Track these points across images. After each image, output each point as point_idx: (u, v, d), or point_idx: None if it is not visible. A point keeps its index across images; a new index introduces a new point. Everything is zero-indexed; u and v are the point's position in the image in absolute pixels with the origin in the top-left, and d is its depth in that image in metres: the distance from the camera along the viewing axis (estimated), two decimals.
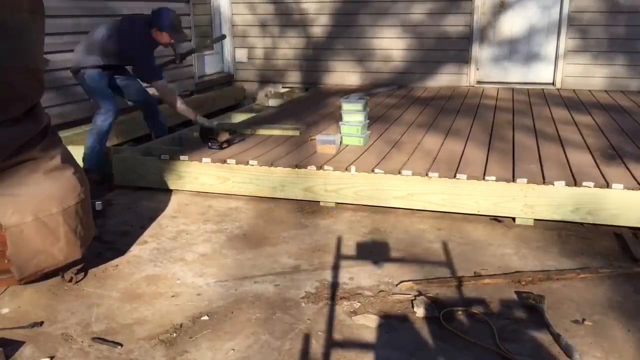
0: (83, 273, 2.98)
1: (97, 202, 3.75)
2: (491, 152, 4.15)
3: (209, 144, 4.40)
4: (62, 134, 5.13)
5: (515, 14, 7.17)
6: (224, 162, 4.08)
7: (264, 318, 2.56)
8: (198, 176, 4.14)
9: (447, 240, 3.36)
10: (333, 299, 2.71)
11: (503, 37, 7.28)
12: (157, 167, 4.23)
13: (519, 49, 7.28)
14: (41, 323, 2.54)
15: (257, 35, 8.10)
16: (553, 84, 7.21)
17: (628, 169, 3.70)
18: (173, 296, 2.77)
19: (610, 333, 2.41)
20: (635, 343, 2.34)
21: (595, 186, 3.40)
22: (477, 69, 7.43)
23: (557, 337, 2.32)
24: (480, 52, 7.38)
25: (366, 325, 2.49)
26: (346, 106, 4.43)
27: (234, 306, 2.67)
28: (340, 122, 4.51)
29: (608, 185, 3.39)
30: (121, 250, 3.28)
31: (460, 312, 2.58)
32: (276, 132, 4.88)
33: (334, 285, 2.84)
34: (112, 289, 2.85)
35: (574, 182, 3.45)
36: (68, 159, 2.80)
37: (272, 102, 7.10)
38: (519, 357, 2.24)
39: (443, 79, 7.52)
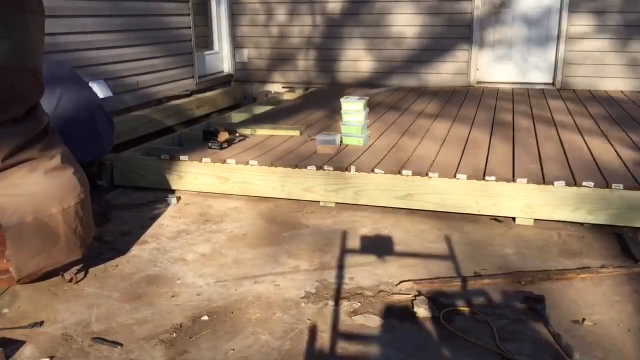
0: (83, 273, 2.98)
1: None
2: (491, 152, 4.15)
3: (209, 143, 4.41)
4: None
5: (515, 13, 7.17)
6: (224, 162, 4.08)
7: (264, 318, 2.56)
8: (198, 176, 4.14)
9: (447, 240, 3.36)
10: (333, 299, 2.71)
11: (503, 37, 7.28)
12: (157, 167, 4.23)
13: (518, 49, 7.28)
14: (41, 323, 2.54)
15: (257, 35, 8.10)
16: (553, 84, 7.22)
17: (628, 168, 3.70)
18: (173, 296, 2.77)
19: (610, 333, 2.41)
20: (635, 343, 2.34)
21: (595, 186, 3.40)
22: (477, 69, 7.43)
23: (557, 337, 2.32)
24: (480, 52, 7.38)
25: (366, 325, 2.49)
26: (346, 106, 4.43)
27: (234, 306, 2.67)
28: (340, 122, 4.51)
29: (608, 186, 3.39)
30: (121, 250, 3.28)
31: (460, 312, 2.58)
32: (276, 132, 4.88)
33: (334, 285, 2.84)
34: (112, 289, 2.85)
35: (574, 182, 3.45)
36: (68, 159, 2.80)
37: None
38: (519, 357, 2.24)
39: (443, 79, 7.52)
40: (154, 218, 3.77)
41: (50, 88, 3.80)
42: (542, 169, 3.73)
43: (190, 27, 7.21)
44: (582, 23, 6.90)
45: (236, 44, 8.25)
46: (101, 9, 5.74)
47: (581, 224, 3.52)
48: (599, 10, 6.80)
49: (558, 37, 7.03)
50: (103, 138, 4.23)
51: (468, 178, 3.60)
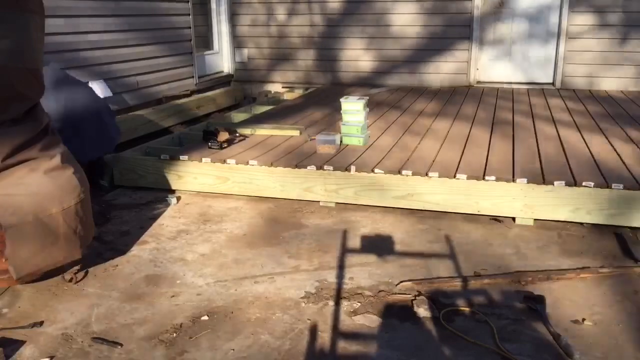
0: (83, 273, 2.98)
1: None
2: (491, 152, 4.15)
3: (209, 143, 4.41)
4: None
5: (515, 13, 7.17)
6: (224, 162, 4.08)
7: (264, 318, 2.56)
8: (198, 176, 4.14)
9: (447, 240, 3.36)
10: (333, 299, 2.71)
11: (503, 37, 7.28)
12: (157, 167, 4.23)
13: (518, 49, 7.28)
14: (41, 323, 2.54)
15: (257, 35, 8.10)
16: (553, 84, 7.21)
17: (628, 168, 3.70)
18: (173, 296, 2.77)
19: (610, 333, 2.41)
20: (635, 343, 2.34)
21: (595, 186, 3.40)
22: (477, 69, 7.43)
23: (557, 337, 2.32)
24: (481, 52, 7.38)
25: (366, 325, 2.49)
26: (346, 106, 4.43)
27: (234, 306, 2.67)
28: (340, 122, 4.51)
29: (608, 186, 3.39)
30: (121, 250, 3.28)
31: (460, 312, 2.58)
32: (276, 132, 4.88)
33: (334, 285, 2.84)
34: (112, 289, 2.85)
35: (574, 182, 3.45)
36: (68, 159, 2.80)
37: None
38: (519, 357, 2.24)
39: (443, 78, 7.52)
40: (154, 218, 3.77)
41: (54, 88, 3.84)
42: (542, 168, 3.73)
43: (190, 27, 7.21)
44: (582, 22, 6.90)
45: (236, 44, 8.25)
46: (101, 9, 5.74)
47: (581, 224, 3.51)
48: (599, 9, 6.80)
49: (558, 37, 7.03)
50: (111, 131, 4.28)
51: (468, 178, 3.60)
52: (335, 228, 3.55)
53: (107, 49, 5.75)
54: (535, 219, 3.55)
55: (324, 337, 2.41)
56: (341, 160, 3.98)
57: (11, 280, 2.68)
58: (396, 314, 2.57)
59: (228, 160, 4.07)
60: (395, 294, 2.75)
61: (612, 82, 6.98)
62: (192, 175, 4.16)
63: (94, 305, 2.70)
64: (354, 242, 3.35)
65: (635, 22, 6.73)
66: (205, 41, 8.02)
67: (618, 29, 6.80)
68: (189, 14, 7.17)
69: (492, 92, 6.95)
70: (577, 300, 2.66)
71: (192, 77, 7.38)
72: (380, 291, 2.78)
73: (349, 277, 2.92)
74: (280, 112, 5.95)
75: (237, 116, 6.17)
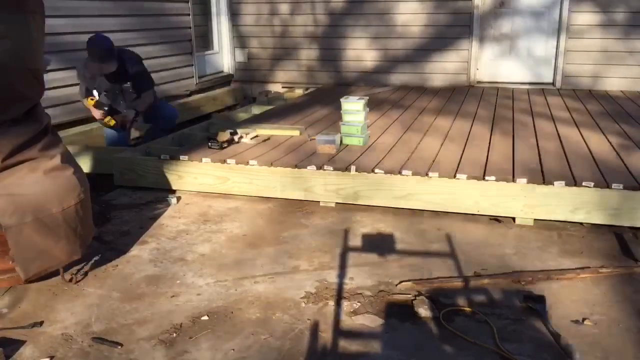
0: (83, 273, 2.98)
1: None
2: (491, 152, 4.15)
3: (209, 143, 4.41)
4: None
5: (516, 13, 7.17)
6: (224, 162, 4.08)
7: (264, 318, 2.56)
8: (198, 176, 4.14)
9: (447, 240, 3.36)
10: (333, 299, 2.71)
11: (504, 36, 7.28)
12: (157, 167, 4.23)
13: (519, 49, 7.28)
14: (41, 323, 2.54)
15: (257, 35, 8.10)
16: (553, 84, 7.21)
17: (627, 168, 3.70)
18: (173, 296, 2.77)
19: (610, 333, 2.41)
20: (635, 343, 2.34)
21: (595, 186, 3.40)
22: (478, 69, 7.43)
23: (557, 337, 2.32)
24: (481, 51, 7.38)
25: (366, 325, 2.49)
26: (346, 106, 4.43)
27: (234, 306, 2.67)
28: (340, 122, 4.51)
29: (608, 185, 3.39)
30: (121, 250, 3.28)
31: (460, 312, 2.58)
32: (276, 132, 4.88)
33: (334, 285, 2.84)
34: (112, 289, 2.85)
35: (574, 182, 3.45)
36: (68, 159, 2.80)
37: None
38: (519, 357, 2.24)
39: (444, 78, 7.52)
40: (154, 218, 3.77)
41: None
42: (542, 168, 3.73)
43: (190, 27, 7.21)
44: (582, 22, 6.90)
45: (236, 44, 8.25)
46: (101, 9, 5.74)
47: (581, 224, 3.52)
48: (600, 9, 6.80)
49: (558, 37, 7.03)
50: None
51: (468, 178, 3.60)
52: (335, 228, 3.55)
53: None
54: (535, 219, 3.55)
55: (324, 337, 2.41)
56: (341, 160, 3.98)
57: (13, 280, 2.68)
58: (396, 314, 2.58)
59: (228, 160, 4.08)
60: (396, 294, 2.75)
61: (613, 82, 6.98)
62: (192, 175, 4.16)
63: (94, 305, 2.70)
64: (354, 242, 3.35)
65: (636, 21, 6.72)
66: (205, 41, 8.02)
67: (619, 29, 6.80)
68: (189, 14, 7.17)
69: (493, 91, 6.96)
70: (577, 300, 2.66)
71: (192, 77, 7.38)
72: (380, 291, 2.78)
73: (349, 277, 2.92)
74: (281, 112, 5.96)
75: (237, 116, 6.18)
